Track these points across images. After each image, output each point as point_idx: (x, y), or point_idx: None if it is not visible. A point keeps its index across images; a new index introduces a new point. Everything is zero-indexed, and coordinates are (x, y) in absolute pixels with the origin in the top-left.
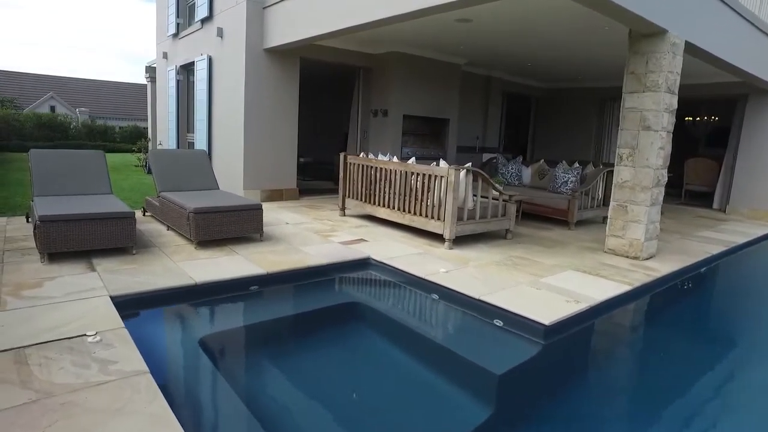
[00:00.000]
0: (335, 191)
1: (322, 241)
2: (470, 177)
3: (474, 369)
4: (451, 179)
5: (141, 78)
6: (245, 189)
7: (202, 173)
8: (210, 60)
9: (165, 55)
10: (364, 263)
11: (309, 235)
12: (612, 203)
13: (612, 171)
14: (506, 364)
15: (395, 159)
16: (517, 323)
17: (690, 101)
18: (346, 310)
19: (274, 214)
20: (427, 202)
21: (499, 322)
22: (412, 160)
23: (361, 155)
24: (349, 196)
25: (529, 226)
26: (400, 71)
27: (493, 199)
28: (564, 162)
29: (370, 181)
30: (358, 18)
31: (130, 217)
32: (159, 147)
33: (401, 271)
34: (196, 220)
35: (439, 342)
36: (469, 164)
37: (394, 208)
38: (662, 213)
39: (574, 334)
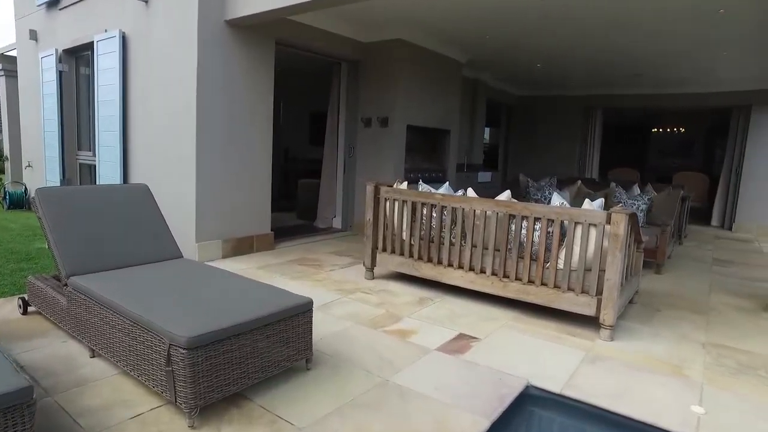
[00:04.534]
0: (311, 230)
1: (408, 349)
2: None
3: None
4: (617, 230)
5: None
6: (198, 241)
7: (150, 229)
8: (124, 39)
9: (34, 35)
10: (524, 398)
11: (374, 338)
12: None
13: (685, 197)
14: None
15: (471, 192)
16: None
17: (663, 111)
18: None
19: None
20: (556, 264)
21: None
22: (470, 191)
23: (398, 185)
24: (382, 250)
25: None
26: (405, 67)
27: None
28: (615, 184)
29: (431, 226)
30: None
31: (25, 404)
32: (28, 169)
33: (613, 414)
34: (193, 364)
35: None
36: (599, 200)
37: (482, 272)
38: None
39: None
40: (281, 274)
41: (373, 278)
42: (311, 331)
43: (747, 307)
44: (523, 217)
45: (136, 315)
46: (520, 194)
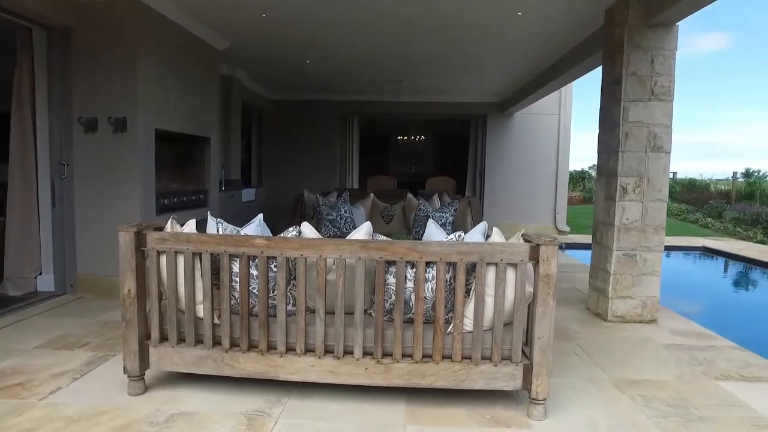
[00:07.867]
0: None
1: None
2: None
3: None
4: (549, 269)
5: None
6: None
7: None
8: None
9: None
10: None
11: None
12: (617, 254)
13: (471, 201)
14: None
15: (309, 230)
16: None
17: (413, 119)
18: None
19: None
20: (461, 325)
21: None
22: (307, 228)
23: (175, 226)
24: (161, 340)
25: None
26: (148, 44)
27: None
28: (411, 194)
29: (250, 292)
30: None
31: None
32: None
33: None
34: None
35: None
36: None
37: (347, 353)
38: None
39: None
40: None
41: (146, 391)
42: None
43: (582, 317)
44: (408, 263)
45: None
46: (307, 215)
